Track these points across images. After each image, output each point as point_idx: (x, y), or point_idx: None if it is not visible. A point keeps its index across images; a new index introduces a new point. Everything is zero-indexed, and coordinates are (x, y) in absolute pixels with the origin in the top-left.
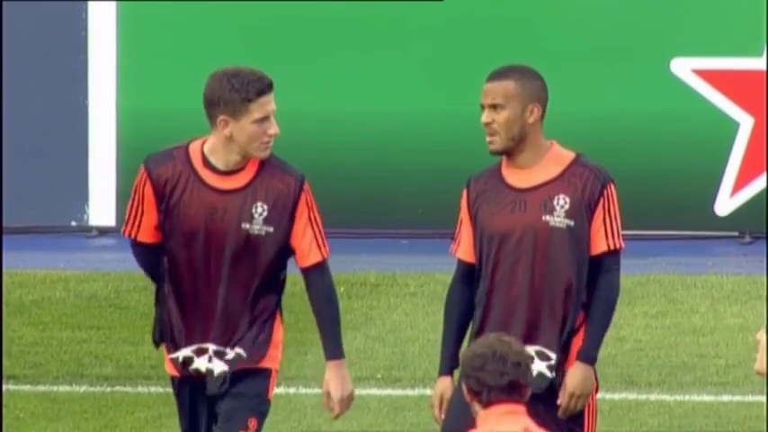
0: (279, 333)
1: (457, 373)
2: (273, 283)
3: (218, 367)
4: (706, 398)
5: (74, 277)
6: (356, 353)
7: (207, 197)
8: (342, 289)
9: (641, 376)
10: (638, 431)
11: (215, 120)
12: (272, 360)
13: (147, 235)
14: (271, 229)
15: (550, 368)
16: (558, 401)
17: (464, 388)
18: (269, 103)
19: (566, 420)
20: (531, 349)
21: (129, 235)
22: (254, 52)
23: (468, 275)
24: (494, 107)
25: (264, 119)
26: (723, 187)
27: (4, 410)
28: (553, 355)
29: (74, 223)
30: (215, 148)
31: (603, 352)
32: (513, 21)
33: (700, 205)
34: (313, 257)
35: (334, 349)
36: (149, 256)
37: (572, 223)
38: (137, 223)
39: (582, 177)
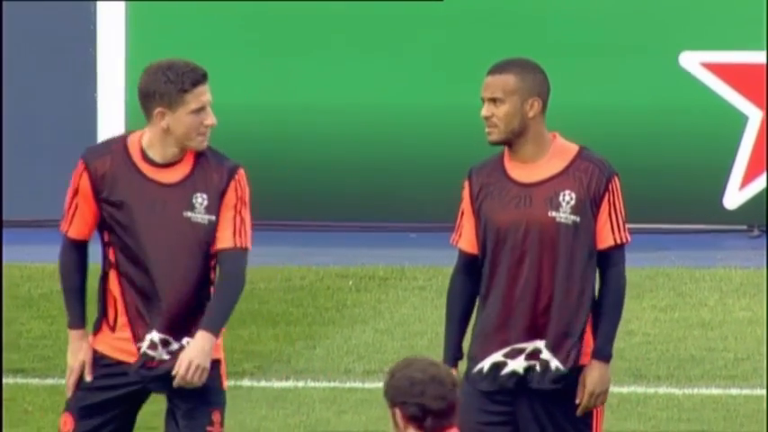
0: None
1: (461, 364)
2: (211, 273)
3: (163, 356)
4: (715, 391)
5: None
6: (365, 346)
7: (147, 190)
8: (350, 282)
9: (650, 370)
10: (646, 425)
11: (151, 113)
12: (217, 350)
13: (77, 231)
14: (213, 218)
15: (542, 363)
16: (577, 401)
17: (399, 416)
18: (204, 94)
19: (573, 416)
20: (539, 343)
21: (65, 230)
22: (262, 46)
23: (469, 266)
24: (493, 101)
25: (200, 109)
26: (732, 181)
27: (12, 404)
28: (546, 351)
29: None
30: (152, 142)
31: None
32: (521, 14)
33: (708, 199)
34: (224, 242)
35: (209, 322)
36: (72, 254)
37: (578, 219)
38: (69, 219)
39: (587, 172)
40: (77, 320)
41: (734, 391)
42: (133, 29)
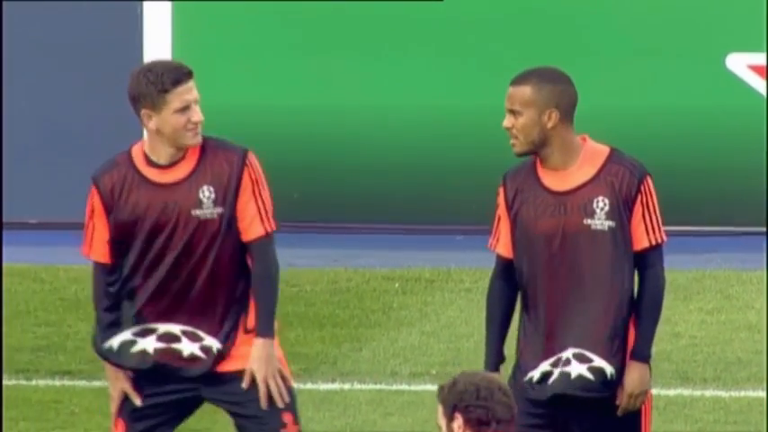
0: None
1: (503, 367)
2: (243, 265)
3: (195, 351)
4: (761, 394)
5: None
6: (411, 349)
7: (154, 194)
8: (396, 285)
9: (696, 372)
10: (692, 427)
11: (140, 116)
12: (276, 347)
13: (98, 253)
14: (221, 210)
15: (591, 370)
16: (617, 402)
17: (460, 420)
18: (187, 92)
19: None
20: (570, 352)
21: (86, 254)
22: (306, 46)
23: (508, 271)
24: (513, 112)
25: (185, 108)
26: None
27: (59, 406)
28: (595, 357)
29: None
30: (152, 145)
31: (658, 348)
32: (566, 16)
33: (755, 200)
34: (254, 232)
35: (262, 327)
36: (99, 278)
37: (613, 224)
38: (88, 240)
39: (618, 176)
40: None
41: None
42: (178, 30)
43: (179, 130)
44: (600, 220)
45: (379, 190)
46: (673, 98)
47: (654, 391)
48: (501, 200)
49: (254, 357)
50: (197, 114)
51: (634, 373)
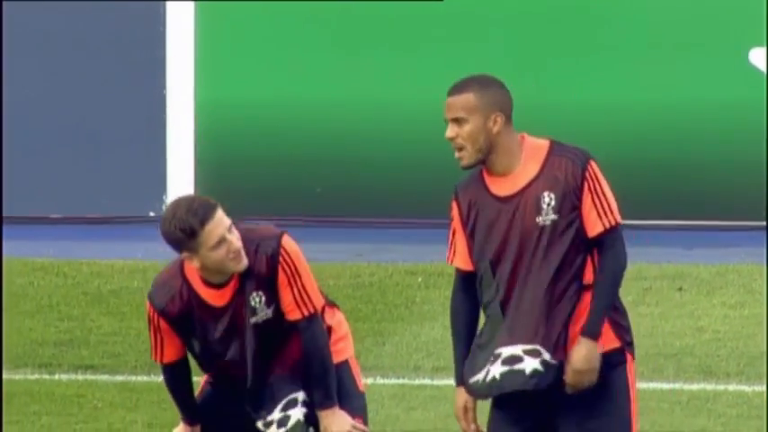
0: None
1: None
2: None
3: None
4: (765, 389)
5: (152, 267)
6: (434, 343)
7: (216, 316)
8: (420, 279)
9: (719, 367)
10: (715, 422)
11: (182, 257)
12: (339, 353)
13: (170, 356)
14: (275, 307)
15: (544, 363)
16: (564, 377)
17: None
18: (217, 227)
19: (597, 404)
20: (517, 348)
21: (159, 360)
22: (333, 43)
23: (467, 283)
24: (456, 121)
25: (219, 242)
26: None
27: (82, 400)
28: (546, 352)
29: (152, 213)
30: (203, 271)
31: (681, 342)
32: (583, 9)
33: None
34: (292, 315)
35: (321, 400)
36: (171, 374)
37: (555, 217)
38: (158, 350)
39: (561, 167)
40: (193, 418)
41: None
42: (202, 24)
43: (221, 263)
44: (548, 216)
45: (403, 184)
46: (695, 92)
47: (677, 386)
48: (455, 213)
49: (324, 427)
50: (233, 244)
51: (581, 349)
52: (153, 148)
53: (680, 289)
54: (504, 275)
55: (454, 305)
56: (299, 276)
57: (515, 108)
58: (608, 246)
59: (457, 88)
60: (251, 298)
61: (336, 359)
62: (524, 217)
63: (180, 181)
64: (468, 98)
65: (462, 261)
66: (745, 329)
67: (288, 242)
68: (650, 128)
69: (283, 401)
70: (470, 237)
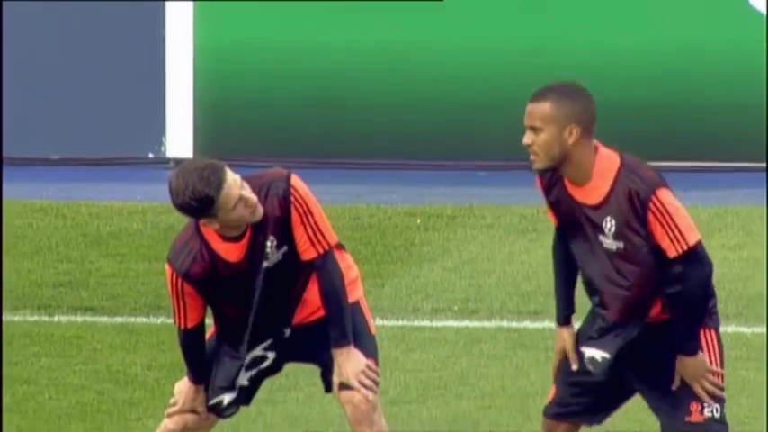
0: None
1: (575, 318)
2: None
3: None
4: (766, 331)
5: (151, 209)
6: (433, 285)
7: (235, 268)
8: (419, 221)
9: (719, 308)
10: None
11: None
12: (353, 290)
13: (194, 319)
14: (285, 249)
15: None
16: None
17: None
18: (232, 189)
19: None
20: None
21: (184, 326)
22: None
23: (560, 234)
24: (533, 129)
25: (237, 203)
26: None
27: (81, 342)
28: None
29: (151, 155)
30: (221, 228)
31: None
32: None
33: None
34: (307, 254)
35: (337, 338)
36: (189, 338)
37: (621, 245)
38: (181, 314)
39: (627, 196)
40: (200, 378)
41: None
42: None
43: (240, 219)
44: (608, 240)
45: (402, 126)
46: (697, 35)
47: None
48: (540, 190)
49: (339, 365)
50: (250, 199)
51: (685, 366)
52: (152, 90)
53: None
54: (594, 283)
55: (556, 254)
56: (312, 214)
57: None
58: (688, 267)
59: (536, 96)
60: (264, 244)
61: (353, 298)
62: (588, 232)
63: (179, 123)
64: (544, 108)
65: (554, 219)
66: (744, 271)
67: (297, 181)
68: (649, 70)
69: (268, 341)
70: (553, 206)
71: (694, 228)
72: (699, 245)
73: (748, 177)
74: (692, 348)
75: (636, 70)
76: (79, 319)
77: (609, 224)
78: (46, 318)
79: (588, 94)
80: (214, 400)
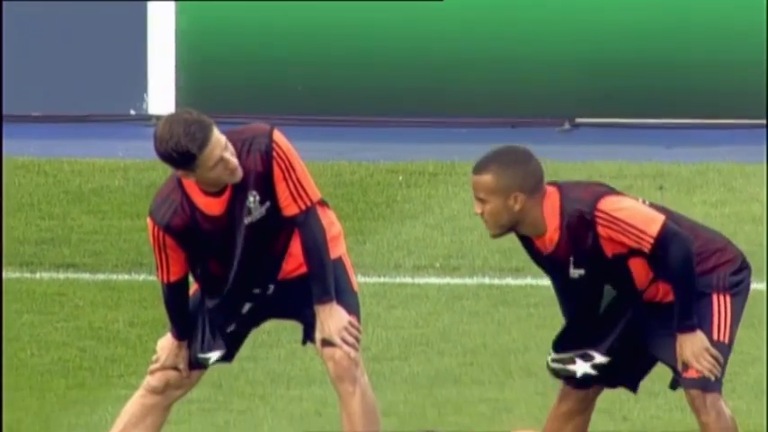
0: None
1: None
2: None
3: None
4: (766, 286)
5: (133, 166)
6: (414, 242)
7: (217, 222)
8: (400, 178)
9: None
10: None
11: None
12: (336, 246)
13: (177, 272)
14: (268, 204)
15: (594, 367)
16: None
17: None
18: (214, 149)
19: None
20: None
21: (167, 280)
22: None
23: None
24: (479, 200)
25: (217, 163)
26: None
27: (63, 299)
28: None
29: (133, 112)
30: (199, 183)
31: None
32: None
33: (759, 93)
34: (289, 210)
35: (319, 294)
36: (174, 293)
37: (583, 272)
38: (165, 268)
39: (574, 228)
40: (183, 335)
41: None
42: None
43: (217, 179)
44: (576, 270)
45: (384, 83)
46: None
47: None
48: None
49: (321, 322)
50: (230, 162)
51: (684, 344)
52: (134, 47)
53: (660, 188)
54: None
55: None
56: (294, 170)
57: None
58: (664, 254)
59: (477, 168)
60: (246, 200)
61: (336, 253)
62: (565, 271)
63: (161, 79)
64: (486, 180)
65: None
66: (726, 228)
67: (279, 137)
68: (632, 26)
69: (252, 299)
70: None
71: (651, 215)
72: (663, 229)
73: (730, 134)
74: (689, 325)
75: (617, 26)
76: (61, 275)
77: (572, 258)
78: (28, 275)
79: (530, 157)
80: (201, 356)
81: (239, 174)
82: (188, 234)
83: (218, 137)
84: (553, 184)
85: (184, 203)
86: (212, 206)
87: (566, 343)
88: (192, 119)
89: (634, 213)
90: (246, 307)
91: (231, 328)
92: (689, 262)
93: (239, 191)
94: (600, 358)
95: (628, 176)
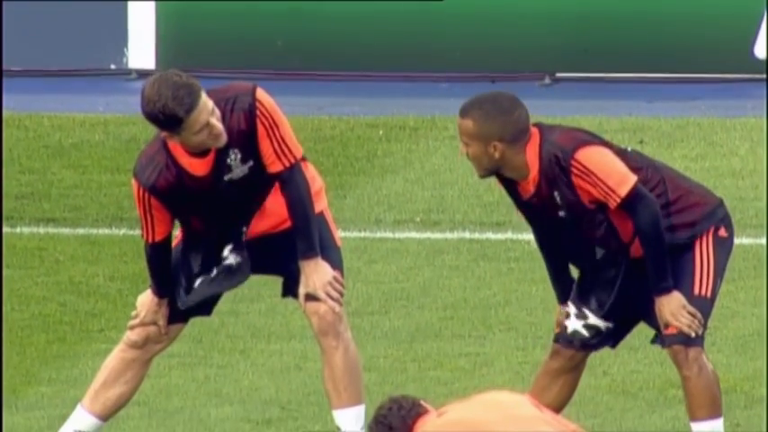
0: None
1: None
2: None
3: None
4: (745, 240)
5: (113, 120)
6: (395, 196)
7: (202, 181)
8: (381, 132)
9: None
10: None
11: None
12: (318, 199)
13: (161, 232)
14: (251, 163)
15: (586, 327)
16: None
17: None
18: (201, 114)
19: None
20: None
21: (152, 240)
22: None
23: None
24: (463, 142)
25: (202, 128)
26: (762, 30)
27: (44, 253)
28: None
29: (113, 66)
30: (184, 146)
31: None
32: None
33: (739, 48)
34: (273, 167)
35: (304, 250)
36: (158, 252)
37: (563, 213)
38: (150, 229)
39: (550, 171)
40: (164, 292)
41: (764, 241)
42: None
43: (201, 143)
44: (563, 212)
45: (364, 38)
46: None
47: None
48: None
49: (307, 275)
50: (215, 127)
51: (662, 307)
52: (114, 1)
53: (641, 142)
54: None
55: (537, 244)
56: (277, 127)
57: None
58: (631, 212)
59: (462, 112)
60: (227, 157)
61: (318, 208)
62: (543, 212)
63: (141, 33)
64: (468, 125)
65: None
66: (706, 182)
67: (262, 95)
68: None
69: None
70: (520, 211)
71: (623, 175)
72: (632, 191)
73: (710, 88)
74: (665, 287)
75: None
76: (41, 230)
77: (555, 198)
78: (8, 229)
79: (514, 106)
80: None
81: (224, 139)
82: (173, 194)
83: (205, 101)
84: (536, 125)
85: (170, 164)
86: (197, 167)
87: (562, 295)
88: (181, 82)
89: (608, 170)
90: (230, 258)
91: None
92: (656, 225)
93: (224, 151)
94: (594, 320)
95: (608, 131)
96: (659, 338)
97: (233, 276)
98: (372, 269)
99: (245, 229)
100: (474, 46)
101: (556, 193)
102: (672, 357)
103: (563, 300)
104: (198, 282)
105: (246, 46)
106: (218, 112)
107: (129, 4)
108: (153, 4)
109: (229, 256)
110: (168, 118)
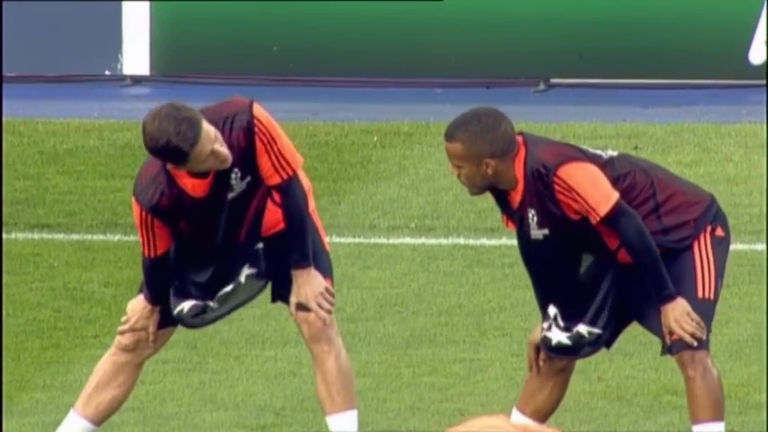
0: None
1: None
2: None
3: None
4: (740, 247)
5: (108, 126)
6: (389, 202)
7: (202, 201)
8: (375, 138)
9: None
10: None
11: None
12: (308, 197)
13: (162, 248)
14: (249, 179)
15: (570, 338)
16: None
17: None
18: (205, 145)
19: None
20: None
21: (153, 256)
22: None
23: None
24: (453, 164)
25: (208, 157)
26: (757, 36)
27: (38, 259)
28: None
29: (108, 72)
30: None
31: None
32: None
33: (734, 54)
34: (272, 180)
35: (298, 260)
36: (156, 267)
37: (547, 232)
38: (152, 247)
39: (536, 186)
40: (157, 300)
41: (759, 247)
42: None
43: (209, 168)
44: (534, 230)
45: (359, 43)
46: None
47: None
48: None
49: (298, 286)
50: (221, 153)
51: (667, 315)
52: (109, 6)
53: (636, 147)
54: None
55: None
56: (275, 142)
57: None
58: (614, 229)
59: (448, 136)
60: (228, 176)
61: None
62: (529, 230)
63: (136, 39)
64: (456, 148)
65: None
66: None
67: (259, 110)
68: None
69: (247, 263)
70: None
71: (605, 195)
72: (614, 209)
73: (705, 94)
74: (668, 295)
75: None
76: (36, 236)
77: (531, 214)
78: (2, 235)
79: (499, 121)
80: (176, 310)
81: (229, 161)
82: (174, 214)
83: (207, 131)
84: (520, 134)
85: (170, 186)
86: (197, 187)
87: (542, 309)
88: (181, 116)
89: (589, 188)
90: (246, 271)
91: (204, 279)
92: (642, 237)
93: (226, 170)
94: (583, 328)
95: (603, 137)
96: (667, 348)
97: (251, 288)
98: (367, 275)
99: (259, 244)
100: (468, 52)
101: (536, 216)
102: (677, 360)
103: (544, 312)
104: (213, 301)
105: (241, 51)
106: (219, 136)
107: (124, 9)
108: (147, 9)
109: (244, 271)
110: (174, 153)
